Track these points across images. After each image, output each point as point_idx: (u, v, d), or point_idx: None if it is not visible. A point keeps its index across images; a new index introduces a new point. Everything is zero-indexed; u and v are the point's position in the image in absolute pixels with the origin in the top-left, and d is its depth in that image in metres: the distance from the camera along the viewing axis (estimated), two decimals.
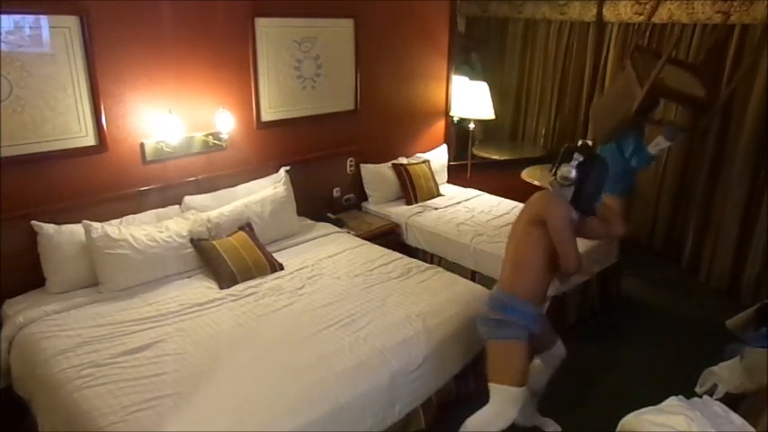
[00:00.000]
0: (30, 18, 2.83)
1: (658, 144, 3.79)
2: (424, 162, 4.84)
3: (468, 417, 2.47)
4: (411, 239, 4.32)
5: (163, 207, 3.41)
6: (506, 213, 4.42)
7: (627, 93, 3.68)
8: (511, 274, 2.50)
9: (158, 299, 2.96)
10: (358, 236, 3.96)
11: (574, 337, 3.75)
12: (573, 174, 2.36)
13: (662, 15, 4.58)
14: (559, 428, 2.89)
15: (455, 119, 5.28)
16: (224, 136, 3.66)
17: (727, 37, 4.24)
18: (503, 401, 2.41)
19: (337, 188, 4.50)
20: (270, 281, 3.21)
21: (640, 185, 4.99)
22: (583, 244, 3.84)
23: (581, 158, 2.36)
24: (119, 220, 3.18)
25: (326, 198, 4.42)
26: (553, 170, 2.47)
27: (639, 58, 3.83)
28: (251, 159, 3.91)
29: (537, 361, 2.74)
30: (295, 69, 4.03)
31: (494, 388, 2.44)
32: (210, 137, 3.65)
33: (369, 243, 3.80)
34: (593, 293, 4.04)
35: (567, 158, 2.40)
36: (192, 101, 3.53)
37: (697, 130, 4.35)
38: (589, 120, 4.49)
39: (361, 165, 4.57)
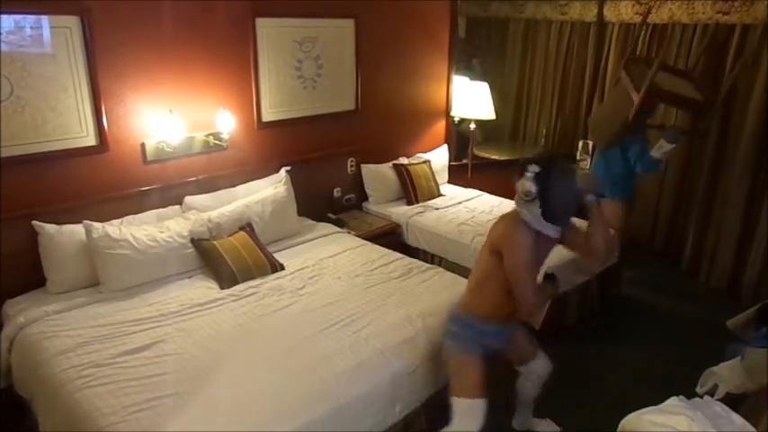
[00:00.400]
0: (30, 18, 2.83)
1: (661, 147, 3.77)
2: (424, 162, 4.84)
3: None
4: (412, 239, 4.32)
5: (163, 207, 3.41)
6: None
7: (624, 100, 3.72)
8: (469, 295, 2.50)
9: (159, 299, 2.96)
10: (358, 236, 3.96)
11: (574, 337, 3.77)
12: (532, 188, 2.19)
13: (662, 15, 4.58)
14: (558, 429, 2.89)
15: (456, 119, 5.28)
16: (225, 136, 3.66)
17: (728, 37, 4.24)
18: (460, 414, 2.41)
19: (338, 188, 4.50)
20: (270, 281, 3.21)
21: (641, 186, 5.00)
22: None
23: (536, 169, 2.20)
24: (119, 221, 3.18)
25: (327, 198, 4.42)
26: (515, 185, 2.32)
27: (634, 67, 3.86)
28: (251, 159, 3.91)
29: (523, 376, 2.75)
30: (296, 69, 4.03)
31: (453, 401, 2.44)
32: (211, 137, 3.65)
33: (369, 243, 3.80)
34: (594, 293, 4.04)
35: (522, 173, 2.25)
36: (193, 101, 3.53)
37: (697, 133, 4.36)
38: (588, 131, 4.48)
39: (362, 165, 4.57)
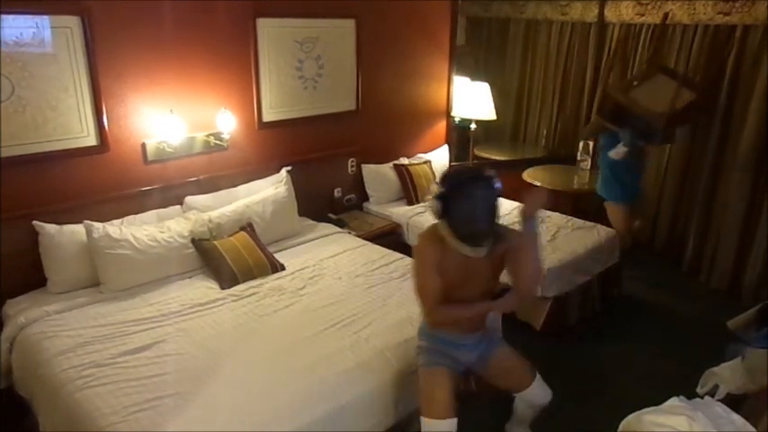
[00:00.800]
0: (31, 18, 2.83)
1: (617, 148, 3.95)
2: (425, 162, 4.84)
3: (468, 417, 2.46)
4: (412, 240, 4.31)
5: (164, 207, 3.41)
6: (507, 214, 4.38)
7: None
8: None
9: (159, 299, 2.96)
10: (359, 236, 3.96)
11: (575, 337, 3.77)
12: (436, 206, 2.16)
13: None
14: None
15: (456, 119, 5.28)
16: (225, 136, 3.66)
17: (729, 37, 4.24)
18: None
19: (338, 188, 4.50)
20: (271, 281, 3.21)
21: (642, 186, 4.99)
22: (583, 244, 3.88)
23: (438, 189, 2.16)
24: (120, 221, 3.18)
25: (328, 198, 4.42)
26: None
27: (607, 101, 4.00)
28: (252, 159, 3.92)
29: (518, 400, 2.58)
30: (296, 70, 4.03)
31: (422, 421, 2.31)
32: (212, 137, 3.65)
33: (370, 243, 3.80)
34: (595, 294, 4.04)
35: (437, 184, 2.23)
36: (194, 101, 3.53)
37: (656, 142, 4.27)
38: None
39: (363, 165, 4.57)
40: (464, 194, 2.12)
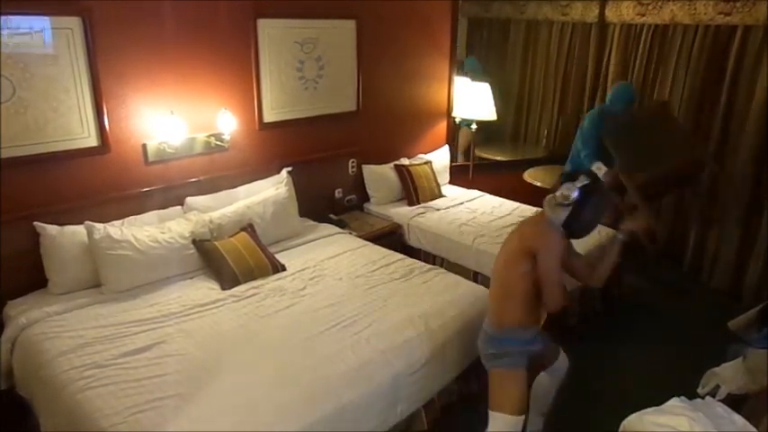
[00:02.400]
0: (32, 19, 2.84)
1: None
2: (425, 163, 4.84)
3: (469, 418, 2.47)
4: (413, 240, 4.32)
5: (165, 208, 3.41)
6: (508, 214, 4.42)
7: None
8: (498, 309, 2.46)
9: (160, 300, 2.96)
10: (360, 237, 3.96)
11: (575, 337, 3.75)
12: (575, 194, 2.25)
13: (664, 16, 4.58)
14: None
15: (457, 120, 5.28)
16: (226, 137, 3.66)
17: (729, 38, 4.24)
18: (499, 429, 2.38)
19: (339, 189, 4.50)
20: (272, 282, 3.21)
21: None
22: (583, 244, 3.88)
23: (586, 180, 2.28)
24: (121, 221, 3.18)
25: (328, 199, 4.42)
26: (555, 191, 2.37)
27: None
28: (253, 160, 3.92)
29: (543, 376, 2.71)
30: (297, 70, 4.04)
31: (492, 416, 2.40)
32: (212, 138, 3.65)
33: (370, 244, 3.80)
34: (595, 293, 4.03)
35: (571, 180, 2.31)
36: (195, 102, 3.54)
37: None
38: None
39: (363, 166, 4.57)
40: (607, 201, 2.39)
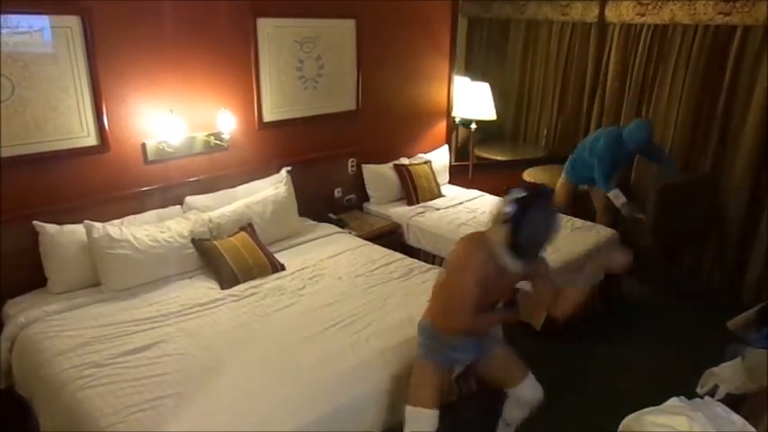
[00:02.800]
0: (31, 18, 2.83)
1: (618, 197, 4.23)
2: (425, 162, 4.84)
3: (469, 417, 2.47)
4: (412, 240, 4.32)
5: (164, 207, 3.42)
6: None
7: None
8: (430, 306, 2.44)
9: (160, 299, 2.96)
10: (359, 236, 3.96)
11: (575, 337, 3.76)
12: (509, 209, 2.10)
13: (663, 16, 4.58)
14: None
15: (457, 120, 5.28)
16: (225, 136, 3.66)
17: (729, 38, 4.24)
18: (411, 423, 2.34)
19: (339, 188, 4.50)
20: (271, 281, 3.21)
21: (641, 185, 4.99)
22: (583, 244, 3.88)
23: (522, 193, 2.11)
24: (120, 221, 3.18)
25: (328, 198, 4.42)
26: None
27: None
28: (252, 160, 3.92)
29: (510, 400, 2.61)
30: (297, 70, 4.03)
31: (406, 409, 2.36)
32: (212, 137, 3.65)
33: (370, 243, 3.80)
34: (595, 293, 4.03)
35: (509, 193, 2.17)
36: (194, 101, 3.53)
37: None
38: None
39: (363, 165, 4.57)
40: (544, 215, 2.14)
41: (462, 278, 2.20)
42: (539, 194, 2.15)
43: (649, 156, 4.42)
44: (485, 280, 2.20)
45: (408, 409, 2.35)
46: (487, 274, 2.20)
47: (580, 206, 4.81)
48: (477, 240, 2.26)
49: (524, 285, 2.55)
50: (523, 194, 2.11)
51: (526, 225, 2.09)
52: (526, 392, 2.51)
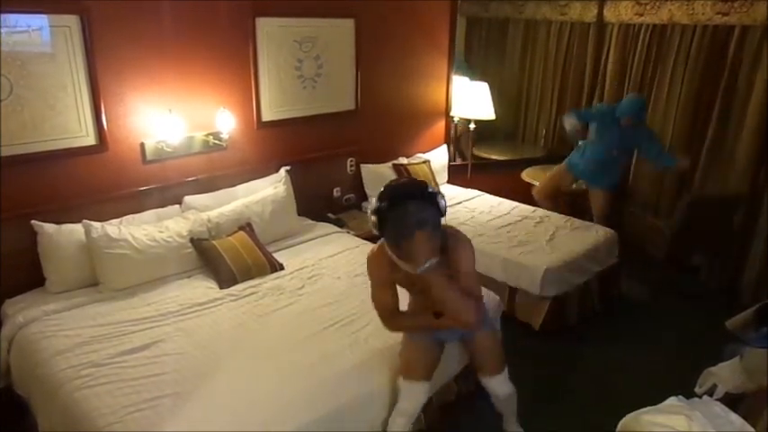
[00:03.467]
0: (30, 17, 2.83)
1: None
2: (424, 162, 4.84)
3: (468, 416, 2.48)
4: None
5: (163, 207, 3.41)
6: (506, 214, 4.42)
7: None
8: None
9: (158, 299, 2.96)
10: (358, 236, 3.96)
11: (574, 336, 3.77)
12: (373, 220, 2.02)
13: (662, 16, 4.58)
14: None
15: (456, 119, 5.28)
16: (224, 136, 3.66)
17: (727, 38, 4.25)
18: (403, 395, 2.43)
19: (337, 188, 4.50)
20: (270, 281, 3.21)
21: (641, 184, 5.00)
22: (582, 243, 3.88)
23: (374, 204, 2.01)
24: (119, 220, 3.18)
25: (327, 198, 4.42)
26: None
27: None
28: (251, 159, 3.91)
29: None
30: (296, 69, 4.03)
31: (398, 382, 2.45)
32: (211, 137, 3.65)
33: (369, 243, 3.78)
34: (594, 293, 4.04)
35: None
36: (193, 100, 3.53)
37: None
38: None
39: (362, 165, 4.56)
40: (397, 214, 1.95)
41: (371, 285, 2.36)
42: (386, 199, 1.99)
43: (639, 141, 4.27)
44: (398, 282, 2.31)
45: (400, 381, 2.43)
46: (396, 277, 2.26)
47: (578, 206, 4.82)
48: (376, 250, 2.30)
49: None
50: (376, 206, 1.99)
51: (389, 234, 2.01)
52: (494, 386, 2.59)
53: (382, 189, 2.05)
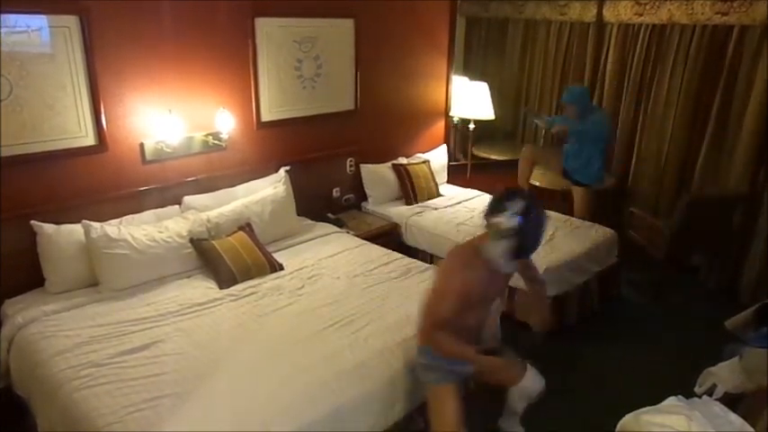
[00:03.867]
0: (29, 17, 2.83)
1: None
2: (423, 162, 4.84)
3: (466, 418, 2.47)
4: (410, 240, 4.32)
5: (162, 207, 3.41)
6: None
7: None
8: (421, 324, 2.42)
9: (158, 299, 2.96)
10: (358, 236, 3.96)
11: (574, 336, 3.77)
12: (513, 223, 2.14)
13: (661, 16, 4.58)
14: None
15: (455, 119, 5.28)
16: (224, 136, 3.66)
17: (727, 38, 4.25)
18: None
19: (337, 188, 4.50)
20: (269, 281, 3.21)
21: (641, 184, 4.99)
22: (582, 243, 3.88)
23: (521, 205, 2.14)
24: (118, 220, 3.18)
25: (326, 198, 4.42)
26: (487, 221, 2.26)
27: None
28: (251, 159, 3.91)
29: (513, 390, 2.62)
30: (295, 69, 4.03)
31: None
32: (210, 137, 3.65)
33: (368, 243, 3.80)
34: (594, 293, 4.04)
35: (499, 206, 2.20)
36: (193, 101, 3.53)
37: None
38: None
39: (361, 165, 4.57)
40: (542, 220, 2.24)
41: (446, 292, 2.28)
42: (533, 201, 2.20)
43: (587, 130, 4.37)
44: (469, 288, 2.29)
45: None
46: (473, 281, 2.29)
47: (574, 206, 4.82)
48: (466, 255, 2.33)
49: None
50: (522, 205, 2.15)
51: (530, 233, 2.20)
52: (528, 386, 2.55)
53: (519, 195, 2.21)
